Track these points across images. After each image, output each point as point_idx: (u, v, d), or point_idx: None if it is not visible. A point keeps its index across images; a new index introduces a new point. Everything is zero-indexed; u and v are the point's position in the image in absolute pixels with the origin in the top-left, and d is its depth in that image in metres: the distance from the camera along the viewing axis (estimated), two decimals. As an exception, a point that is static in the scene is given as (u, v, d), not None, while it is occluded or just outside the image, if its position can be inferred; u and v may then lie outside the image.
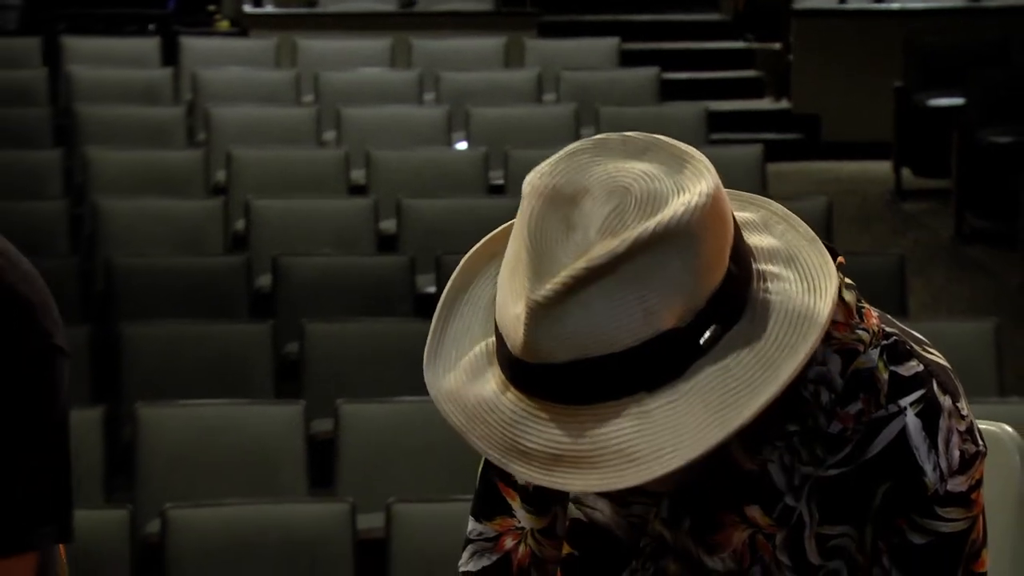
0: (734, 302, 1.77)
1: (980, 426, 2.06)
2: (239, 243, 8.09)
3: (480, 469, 2.12)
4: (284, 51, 11.32)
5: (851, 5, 13.74)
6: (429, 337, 1.89)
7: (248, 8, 13.07)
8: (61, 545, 2.29)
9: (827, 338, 1.86)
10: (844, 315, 1.89)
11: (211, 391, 6.09)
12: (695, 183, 1.76)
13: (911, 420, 1.85)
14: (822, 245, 1.85)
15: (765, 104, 13.76)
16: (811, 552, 1.89)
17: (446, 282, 2.08)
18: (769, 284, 1.81)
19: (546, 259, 1.75)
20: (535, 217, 1.77)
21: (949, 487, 1.85)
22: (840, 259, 1.89)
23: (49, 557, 2.25)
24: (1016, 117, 10.95)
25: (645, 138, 1.82)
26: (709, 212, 1.74)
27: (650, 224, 1.73)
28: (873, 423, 1.86)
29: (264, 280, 7.41)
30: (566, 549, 2.03)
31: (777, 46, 14.11)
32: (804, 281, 1.82)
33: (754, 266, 1.81)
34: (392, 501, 5.12)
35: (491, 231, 1.96)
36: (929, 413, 1.86)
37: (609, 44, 11.65)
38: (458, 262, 2.02)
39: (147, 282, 7.14)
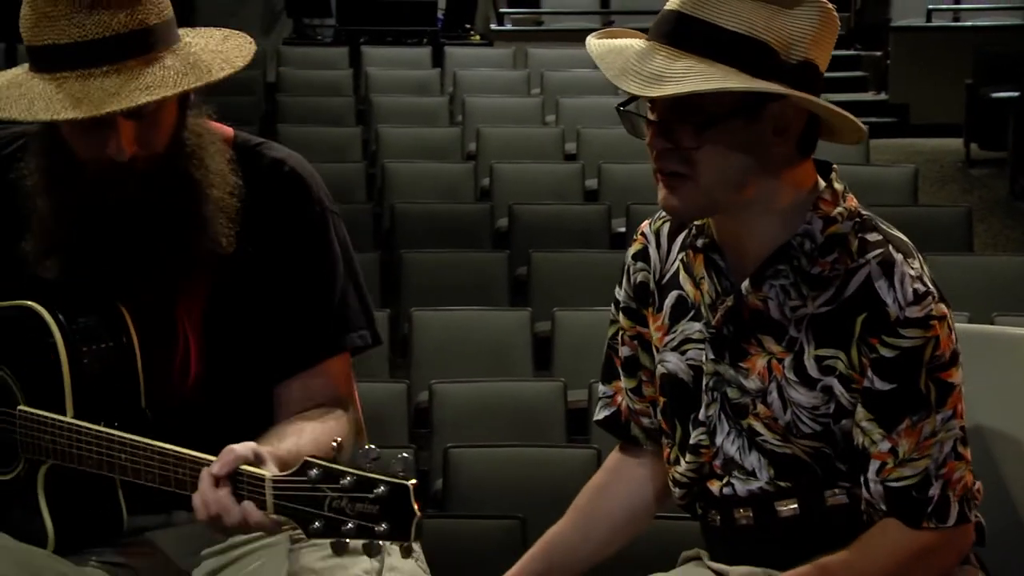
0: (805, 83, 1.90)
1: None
2: (485, 195, 8.08)
3: (605, 348, 2.20)
4: (519, 57, 11.27)
5: (935, 23, 13.47)
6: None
7: (493, 26, 13.08)
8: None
9: (815, 207, 1.95)
10: (831, 196, 1.96)
11: (464, 300, 6.10)
12: None
13: (873, 268, 1.91)
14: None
15: (868, 96, 13.46)
16: (811, 369, 1.94)
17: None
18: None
19: None
20: None
21: (907, 314, 1.89)
22: (835, 166, 2.00)
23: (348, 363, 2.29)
24: (1058, 106, 10.63)
25: None
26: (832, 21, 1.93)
27: None
28: (847, 272, 1.92)
29: (502, 222, 7.40)
30: (661, 401, 2.09)
31: (878, 53, 13.83)
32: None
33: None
34: (593, 381, 5.09)
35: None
36: (886, 263, 1.92)
37: (754, 52, 11.45)
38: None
39: (420, 222, 7.16)
